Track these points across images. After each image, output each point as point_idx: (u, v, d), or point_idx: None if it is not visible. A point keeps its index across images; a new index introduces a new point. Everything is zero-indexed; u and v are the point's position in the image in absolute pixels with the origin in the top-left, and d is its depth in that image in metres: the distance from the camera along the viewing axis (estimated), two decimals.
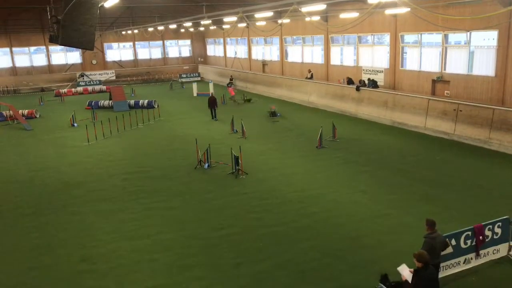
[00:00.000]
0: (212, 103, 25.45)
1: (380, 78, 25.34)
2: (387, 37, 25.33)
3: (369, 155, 17.20)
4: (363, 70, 26.86)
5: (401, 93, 22.91)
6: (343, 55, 29.91)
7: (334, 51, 30.47)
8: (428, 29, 21.47)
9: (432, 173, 14.82)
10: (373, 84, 24.82)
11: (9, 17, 41.79)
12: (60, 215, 12.72)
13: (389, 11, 22.02)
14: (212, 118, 25.40)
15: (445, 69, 21.75)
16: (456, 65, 21.18)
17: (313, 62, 32.83)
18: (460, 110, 18.90)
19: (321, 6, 19.55)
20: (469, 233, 8.61)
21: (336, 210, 12.18)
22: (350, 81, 26.78)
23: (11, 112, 27.38)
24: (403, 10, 20.74)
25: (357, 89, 25.03)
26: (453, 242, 8.28)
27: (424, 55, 23.07)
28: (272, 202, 12.87)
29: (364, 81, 25.60)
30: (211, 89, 35.50)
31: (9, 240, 11.33)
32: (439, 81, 22.02)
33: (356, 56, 28.22)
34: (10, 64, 46.14)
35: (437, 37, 22.17)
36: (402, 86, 24.34)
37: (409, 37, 24.06)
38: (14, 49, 46.02)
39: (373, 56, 26.78)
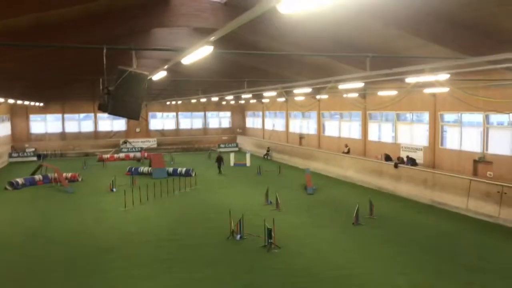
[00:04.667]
0: (219, 160, 32.07)
1: (419, 156, 24.98)
2: (426, 116, 25.30)
3: (408, 235, 16.51)
4: (402, 147, 26.65)
5: (441, 172, 22.34)
6: (381, 131, 29.95)
7: (372, 127, 30.60)
8: (469, 109, 21.35)
9: (476, 258, 13.95)
10: (412, 162, 24.44)
11: (65, 86, 45.03)
12: (91, 279, 12.70)
13: (427, 90, 22.18)
14: (219, 173, 31.60)
15: (487, 150, 21.25)
16: (499, 146, 20.70)
17: (350, 137, 32.97)
18: (505, 193, 18.10)
19: (359, 84, 19.99)
20: None
21: None
22: (388, 158, 26.51)
23: (55, 174, 28.55)
24: (442, 90, 20.84)
25: (395, 166, 24.68)
26: None
27: (465, 134, 22.76)
28: (304, 281, 12.38)
29: (402, 158, 25.28)
30: (248, 160, 36.25)
31: None
32: (481, 162, 21.43)
33: (395, 133, 28.17)
34: (60, 130, 49.09)
35: (478, 117, 21.95)
36: (442, 165, 23.82)
37: (449, 116, 23.95)
38: (65, 115, 49.12)
39: (412, 134, 26.65)
